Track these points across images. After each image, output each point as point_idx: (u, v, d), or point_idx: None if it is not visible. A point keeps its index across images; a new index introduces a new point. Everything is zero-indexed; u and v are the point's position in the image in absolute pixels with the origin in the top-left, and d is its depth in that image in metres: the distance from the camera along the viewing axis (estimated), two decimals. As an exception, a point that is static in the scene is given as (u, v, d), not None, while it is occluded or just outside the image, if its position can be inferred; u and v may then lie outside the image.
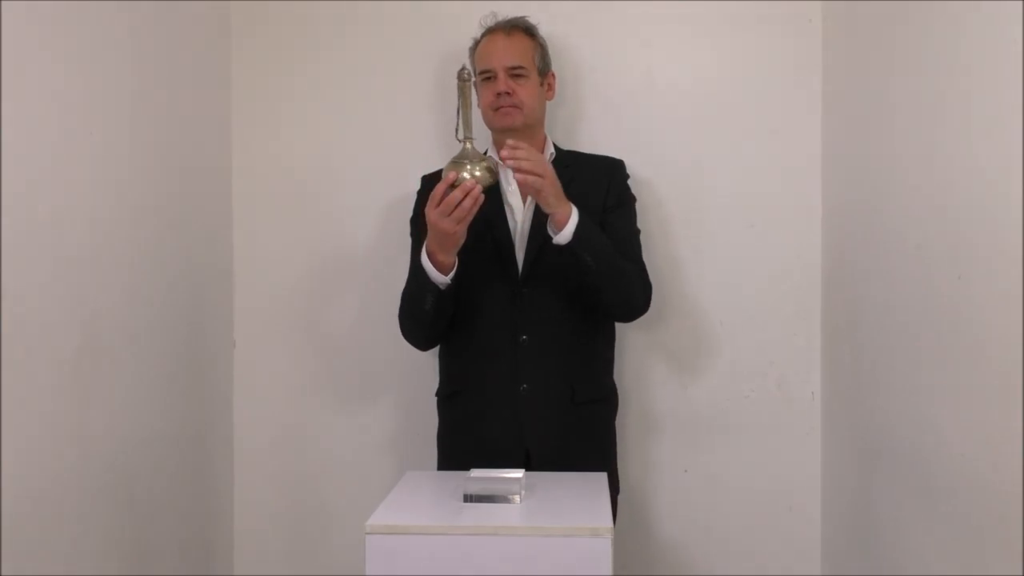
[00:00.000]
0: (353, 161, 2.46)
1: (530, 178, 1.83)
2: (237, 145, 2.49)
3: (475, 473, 1.69)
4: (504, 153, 1.83)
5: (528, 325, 2.04)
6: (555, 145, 2.18)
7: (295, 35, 2.47)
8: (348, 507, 2.43)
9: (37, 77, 1.65)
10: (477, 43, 2.16)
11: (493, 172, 1.84)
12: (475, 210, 1.82)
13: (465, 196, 1.79)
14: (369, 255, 2.45)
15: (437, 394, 2.19)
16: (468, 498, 1.66)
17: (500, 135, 2.11)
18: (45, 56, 1.68)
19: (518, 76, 2.07)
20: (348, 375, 2.49)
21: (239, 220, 2.49)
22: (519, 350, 2.04)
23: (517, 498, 1.66)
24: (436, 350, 2.21)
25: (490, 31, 2.13)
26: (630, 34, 2.41)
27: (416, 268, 1.95)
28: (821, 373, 2.40)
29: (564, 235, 1.89)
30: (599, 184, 2.11)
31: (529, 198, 2.06)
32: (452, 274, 1.93)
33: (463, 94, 1.83)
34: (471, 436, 2.07)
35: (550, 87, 2.17)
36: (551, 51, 2.21)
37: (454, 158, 1.84)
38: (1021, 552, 1.42)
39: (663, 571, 2.44)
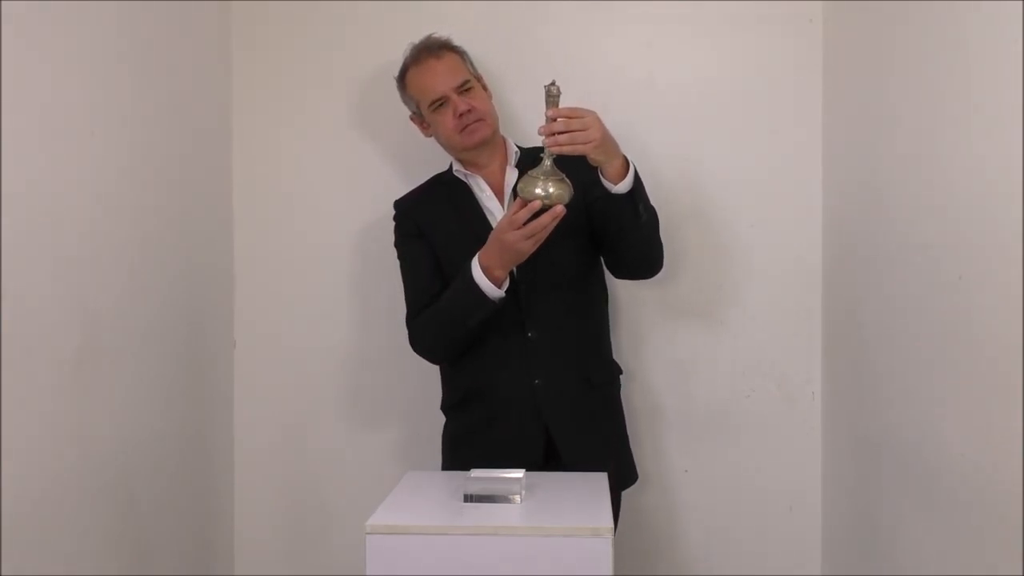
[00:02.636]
0: (354, 161, 2.46)
1: (577, 147, 1.79)
2: (237, 145, 2.49)
3: (475, 473, 1.69)
4: (542, 130, 1.78)
5: (532, 321, 2.03)
6: (516, 145, 2.16)
7: (295, 35, 2.46)
8: (348, 507, 2.43)
9: (37, 77, 1.65)
10: (403, 77, 2.13)
11: (570, 187, 1.79)
12: (553, 228, 1.81)
13: (553, 220, 1.78)
14: (369, 255, 2.45)
15: (444, 404, 2.18)
16: (468, 498, 1.66)
17: (471, 154, 2.10)
18: (45, 56, 1.68)
19: (468, 91, 2.07)
20: (348, 374, 2.49)
21: (239, 220, 2.49)
22: (528, 346, 2.03)
23: (517, 498, 1.66)
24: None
25: (416, 61, 2.10)
26: (630, 34, 2.41)
27: (468, 287, 1.91)
28: (821, 373, 2.40)
29: (624, 184, 1.86)
30: (568, 169, 2.08)
31: (507, 199, 2.07)
32: (506, 287, 1.92)
33: (548, 107, 1.78)
34: (488, 438, 2.05)
35: (485, 88, 2.15)
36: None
37: (530, 172, 1.80)
38: (1021, 552, 1.42)
39: (663, 571, 2.44)
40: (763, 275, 2.41)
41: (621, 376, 2.22)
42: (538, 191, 1.76)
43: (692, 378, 2.43)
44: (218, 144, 2.44)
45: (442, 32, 2.32)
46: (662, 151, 2.38)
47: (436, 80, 2.07)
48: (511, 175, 2.09)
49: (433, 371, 2.25)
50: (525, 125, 2.20)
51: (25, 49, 1.60)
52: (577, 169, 1.87)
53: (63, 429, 1.73)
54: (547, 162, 1.79)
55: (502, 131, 2.17)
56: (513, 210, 1.83)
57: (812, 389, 2.41)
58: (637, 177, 1.90)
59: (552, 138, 1.78)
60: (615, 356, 2.22)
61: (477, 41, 2.20)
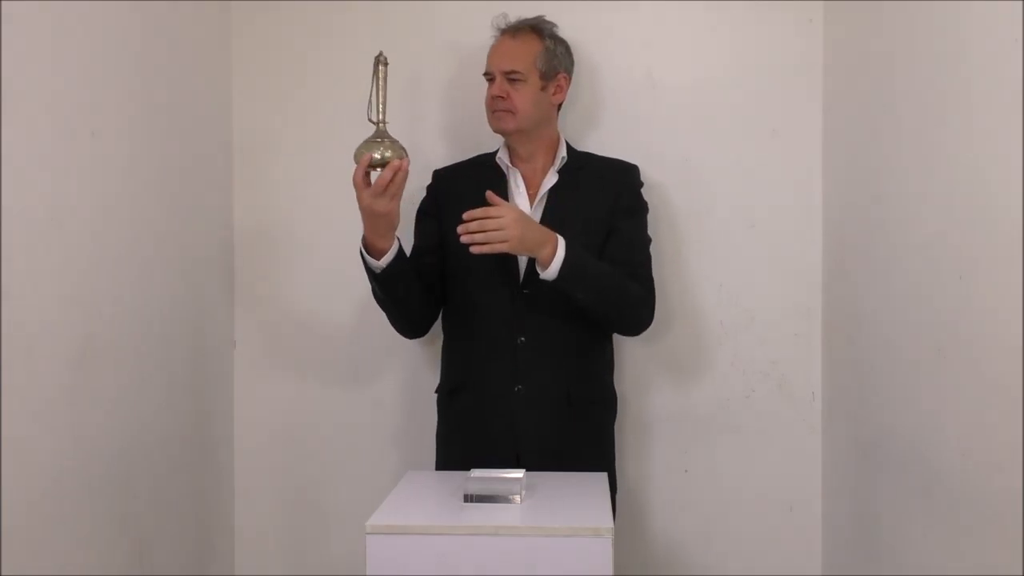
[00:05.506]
0: (354, 161, 2.45)
1: (495, 246, 1.86)
2: (237, 144, 2.49)
3: (475, 473, 1.69)
4: (460, 229, 1.87)
5: (527, 327, 2.05)
6: (568, 146, 2.18)
7: (295, 35, 2.46)
8: (348, 507, 2.43)
9: (37, 77, 1.65)
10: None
11: (403, 151, 1.88)
12: (404, 185, 1.86)
13: (395, 173, 1.83)
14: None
15: (437, 391, 2.20)
16: (468, 498, 1.66)
17: (509, 140, 2.14)
18: (45, 56, 1.68)
19: (515, 80, 2.07)
20: (348, 375, 2.49)
21: (239, 220, 2.49)
22: (517, 351, 2.04)
23: (517, 498, 1.66)
24: (439, 348, 2.22)
25: (500, 32, 2.14)
26: (630, 34, 2.41)
27: (363, 261, 1.99)
28: (821, 373, 2.40)
29: (549, 273, 1.91)
30: (608, 188, 2.11)
31: (537, 201, 2.08)
32: (389, 257, 1.94)
33: (377, 77, 1.88)
34: (467, 435, 2.08)
35: (559, 89, 2.15)
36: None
37: (367, 139, 1.89)
38: (1021, 552, 1.43)
39: (663, 571, 2.44)
40: (763, 275, 2.40)
41: (616, 404, 2.21)
42: (375, 154, 1.86)
43: (692, 378, 2.43)
44: (218, 144, 2.44)
45: (442, 31, 2.33)
46: (662, 151, 2.38)
47: (494, 56, 2.11)
48: (551, 178, 2.11)
49: (433, 372, 2.26)
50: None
51: (25, 49, 1.60)
52: (593, 199, 2.02)
53: (63, 429, 1.73)
54: (381, 127, 1.88)
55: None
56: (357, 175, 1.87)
57: (812, 389, 2.41)
58: (567, 266, 1.90)
59: (469, 236, 1.86)
60: (619, 374, 2.23)
61: (476, 41, 2.19)
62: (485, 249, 1.87)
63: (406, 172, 1.85)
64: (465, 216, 1.87)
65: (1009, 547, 1.46)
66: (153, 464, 2.06)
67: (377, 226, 1.90)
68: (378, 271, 1.96)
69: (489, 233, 1.86)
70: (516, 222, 1.88)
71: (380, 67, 1.88)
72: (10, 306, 1.55)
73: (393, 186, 1.84)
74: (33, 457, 1.63)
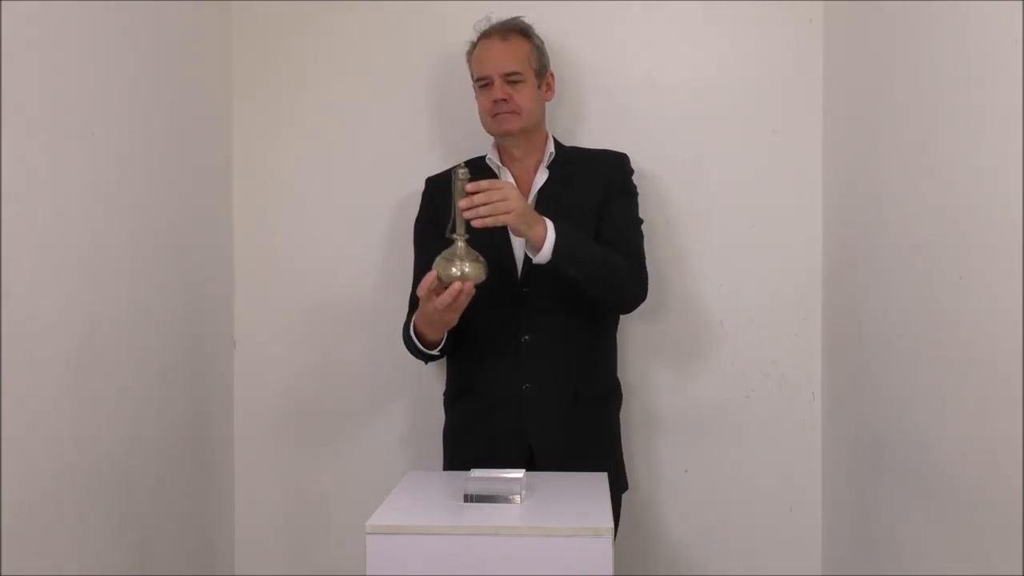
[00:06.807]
0: (353, 161, 2.46)
1: (499, 218, 1.82)
2: (237, 144, 2.49)
3: (475, 473, 1.69)
4: (463, 204, 1.80)
5: (530, 325, 2.05)
6: (556, 142, 2.18)
7: (295, 36, 2.46)
8: (348, 507, 2.43)
9: (37, 77, 1.65)
10: (473, 47, 2.15)
11: (485, 266, 1.83)
12: (468, 300, 1.82)
13: (458, 295, 1.80)
14: (370, 254, 2.45)
15: (445, 394, 2.20)
16: (468, 498, 1.66)
17: (505, 141, 2.13)
18: (45, 56, 1.68)
19: (515, 82, 2.07)
20: (348, 375, 2.49)
21: (239, 220, 2.49)
22: (521, 350, 2.04)
23: (517, 498, 1.66)
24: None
25: (486, 35, 2.12)
26: (630, 34, 2.41)
27: (407, 333, 2.02)
28: (821, 373, 2.40)
29: (542, 255, 1.90)
30: (598, 179, 2.11)
31: (529, 199, 2.08)
32: (441, 346, 1.99)
33: (459, 193, 1.81)
34: (476, 436, 2.08)
35: (549, 87, 2.16)
36: (553, 51, 2.20)
37: (445, 254, 1.83)
38: (1021, 552, 1.43)
39: (663, 571, 2.44)
40: (763, 275, 2.40)
41: (621, 395, 2.22)
42: (454, 271, 1.80)
43: (692, 378, 2.43)
44: (218, 144, 2.44)
45: (441, 32, 2.33)
46: (662, 151, 2.38)
47: (490, 60, 2.09)
48: (541, 176, 2.11)
49: (433, 372, 2.25)
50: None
51: (25, 49, 1.60)
52: (583, 191, 2.00)
53: (63, 429, 1.73)
54: (460, 243, 1.81)
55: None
56: (436, 288, 1.84)
57: (812, 389, 2.41)
58: (559, 245, 1.89)
59: (475, 210, 1.80)
60: (620, 372, 2.23)
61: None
62: (488, 222, 1.82)
63: (470, 293, 1.81)
64: (470, 188, 1.80)
65: (1009, 547, 1.46)
66: (153, 464, 2.06)
67: (434, 327, 1.93)
68: (426, 355, 2.03)
69: (495, 204, 1.81)
70: (517, 195, 1.87)
71: (459, 182, 1.80)
72: (10, 306, 1.55)
73: (457, 303, 1.82)
74: (33, 457, 1.63)
